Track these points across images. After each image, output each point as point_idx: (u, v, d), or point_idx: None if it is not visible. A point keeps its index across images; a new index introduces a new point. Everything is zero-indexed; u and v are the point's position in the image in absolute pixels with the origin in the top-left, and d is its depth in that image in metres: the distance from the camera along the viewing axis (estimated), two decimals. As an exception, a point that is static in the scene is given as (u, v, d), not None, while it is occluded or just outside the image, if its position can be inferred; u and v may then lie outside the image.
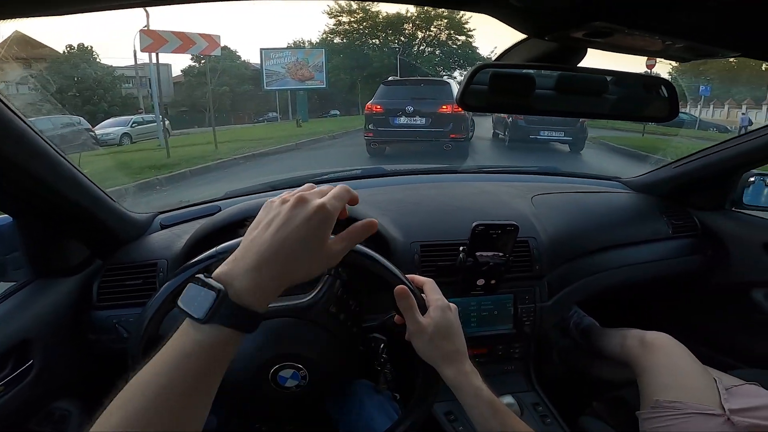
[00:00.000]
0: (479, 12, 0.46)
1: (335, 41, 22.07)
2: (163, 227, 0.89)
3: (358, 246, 0.49)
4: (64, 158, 0.63)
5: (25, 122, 0.54)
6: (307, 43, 21.49)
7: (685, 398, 0.73)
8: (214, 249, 0.48)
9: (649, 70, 8.39)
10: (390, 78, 7.68)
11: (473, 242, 0.78)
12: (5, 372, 0.63)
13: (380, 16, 22.03)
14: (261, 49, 14.29)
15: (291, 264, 0.36)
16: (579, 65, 0.59)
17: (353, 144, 8.89)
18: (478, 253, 0.79)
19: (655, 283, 1.14)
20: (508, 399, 0.79)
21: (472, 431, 0.70)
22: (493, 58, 0.62)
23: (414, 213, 0.95)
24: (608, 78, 0.62)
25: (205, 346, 0.32)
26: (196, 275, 0.34)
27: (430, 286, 0.53)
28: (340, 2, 21.14)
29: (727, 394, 0.74)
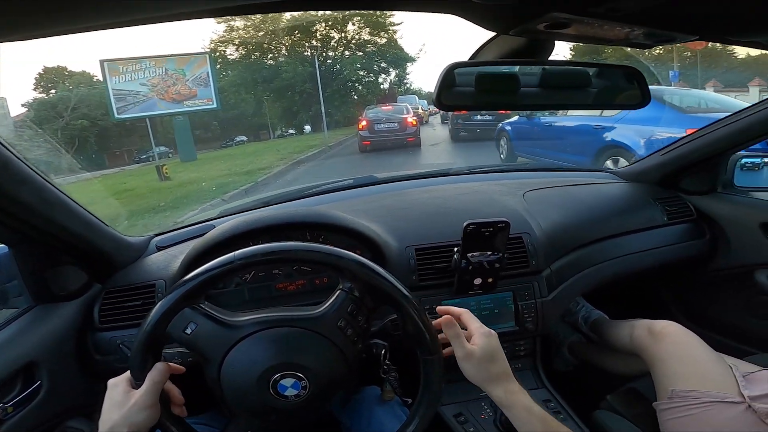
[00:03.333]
0: (444, 12, 0.60)
1: (227, 53, 21.09)
2: (159, 249, 1.12)
3: (399, 284, 0.68)
4: (51, 184, 0.80)
5: (8, 149, 0.70)
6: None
7: (702, 387, 0.92)
8: (205, 266, 0.65)
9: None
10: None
11: (466, 242, 0.99)
12: (14, 393, 0.81)
13: (284, 18, 21.20)
14: (101, 62, 11.58)
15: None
16: (550, 59, 0.75)
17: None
18: (469, 254, 1.00)
19: (656, 271, 1.41)
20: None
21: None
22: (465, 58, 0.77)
23: (406, 218, 1.18)
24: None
25: None
26: None
27: (467, 316, 0.73)
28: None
29: (745, 381, 0.92)
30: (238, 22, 20.46)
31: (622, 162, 4.33)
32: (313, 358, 0.66)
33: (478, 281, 1.04)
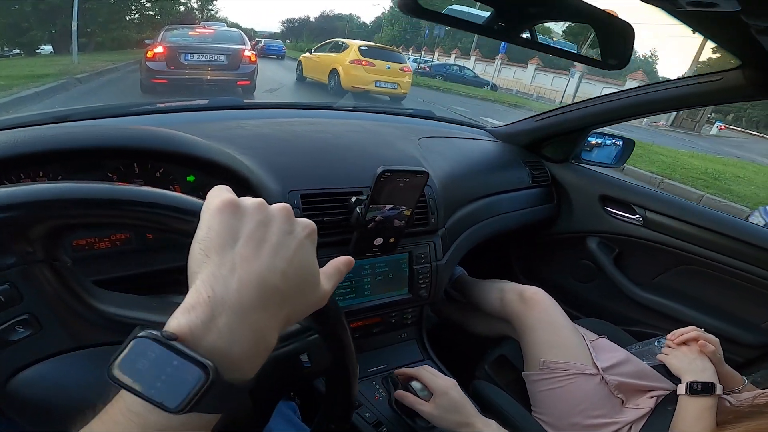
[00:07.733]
0: None
1: None
2: None
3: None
4: None
5: None
6: None
7: (566, 358, 0.96)
8: None
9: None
10: None
11: (376, 193, 0.79)
12: None
13: None
14: None
15: (299, 301, 0.32)
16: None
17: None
18: (373, 207, 0.81)
19: (515, 232, 1.43)
20: (417, 385, 0.84)
21: None
22: None
23: (287, 153, 0.91)
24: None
25: None
26: (155, 335, 0.27)
27: (426, 376, 0.80)
28: None
29: (594, 350, 0.98)
30: None
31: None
32: None
33: (378, 241, 0.86)
